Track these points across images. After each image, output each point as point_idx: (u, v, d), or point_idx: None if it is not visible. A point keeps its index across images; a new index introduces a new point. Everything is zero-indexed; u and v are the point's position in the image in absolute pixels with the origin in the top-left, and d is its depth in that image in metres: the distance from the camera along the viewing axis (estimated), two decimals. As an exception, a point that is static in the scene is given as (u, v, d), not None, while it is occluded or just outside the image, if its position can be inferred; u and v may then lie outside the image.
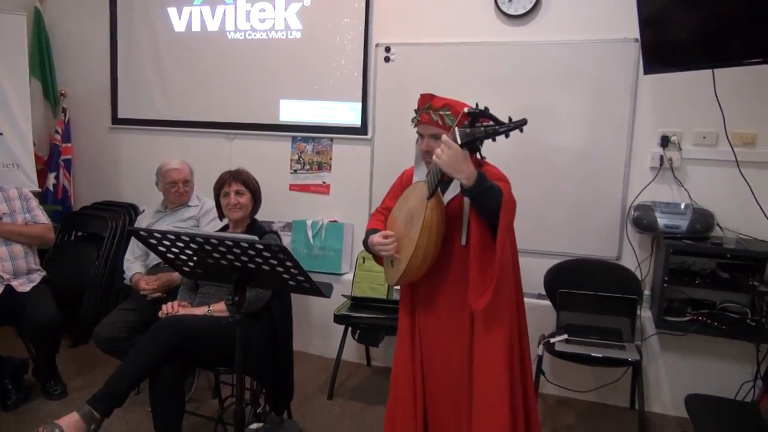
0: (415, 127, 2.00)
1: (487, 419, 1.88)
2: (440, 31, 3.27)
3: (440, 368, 2.01)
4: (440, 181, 1.85)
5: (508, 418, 1.87)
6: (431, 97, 1.93)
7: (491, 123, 1.75)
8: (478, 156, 1.88)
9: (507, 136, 1.73)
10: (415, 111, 1.98)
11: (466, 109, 1.78)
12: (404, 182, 2.14)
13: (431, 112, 1.91)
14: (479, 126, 1.75)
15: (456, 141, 1.74)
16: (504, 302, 1.93)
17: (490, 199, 1.80)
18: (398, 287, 2.13)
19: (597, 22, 2.99)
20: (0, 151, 3.53)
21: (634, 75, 2.94)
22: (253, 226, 2.62)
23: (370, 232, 2.06)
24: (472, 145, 1.75)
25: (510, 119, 1.73)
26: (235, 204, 2.56)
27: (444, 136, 1.77)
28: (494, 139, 1.74)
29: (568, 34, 3.04)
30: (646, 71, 2.60)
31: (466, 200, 1.89)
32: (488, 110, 1.75)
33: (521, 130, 1.72)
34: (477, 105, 1.77)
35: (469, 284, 1.87)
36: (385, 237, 1.97)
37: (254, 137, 3.74)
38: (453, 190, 1.93)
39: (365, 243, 2.07)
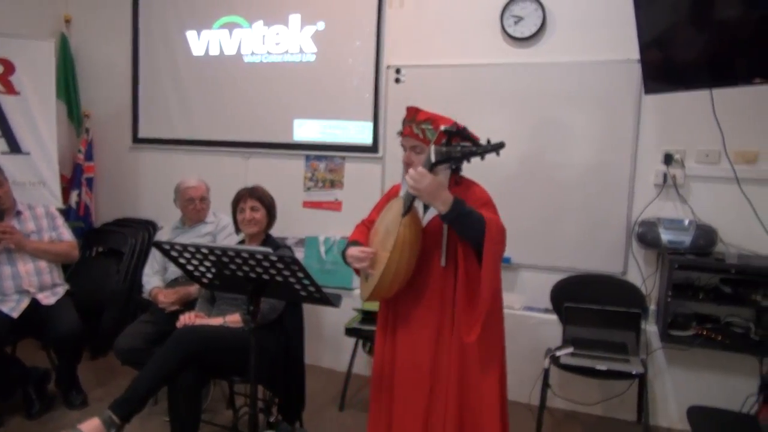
0: (400, 138, 2.07)
1: None
2: (449, 54, 3.43)
3: (410, 386, 2.02)
4: (413, 200, 1.90)
5: None
6: (416, 110, 2.00)
7: (468, 144, 1.81)
8: (462, 173, 1.95)
9: (482, 158, 1.78)
10: (402, 123, 2.05)
11: (443, 127, 1.85)
12: (391, 197, 2.20)
13: (414, 125, 1.98)
14: (456, 146, 1.80)
15: (430, 159, 1.80)
16: (497, 338, 2.00)
17: (468, 226, 1.85)
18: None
19: (600, 44, 3.13)
20: (27, 170, 3.71)
21: (637, 94, 3.06)
22: (268, 241, 2.74)
23: (351, 243, 2.10)
24: (445, 163, 1.81)
25: (488, 141, 1.78)
26: (250, 219, 2.68)
27: (419, 168, 1.81)
28: (469, 161, 1.80)
29: (573, 56, 3.18)
30: (647, 91, 2.72)
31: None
32: (466, 130, 1.82)
33: (497, 153, 1.76)
34: (455, 124, 1.84)
35: (456, 314, 1.91)
36: (362, 252, 1.99)
37: (269, 156, 3.91)
38: (434, 210, 1.96)
39: (343, 254, 2.09)
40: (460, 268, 1.94)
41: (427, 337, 2.01)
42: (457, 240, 1.94)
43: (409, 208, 1.92)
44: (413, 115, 2.01)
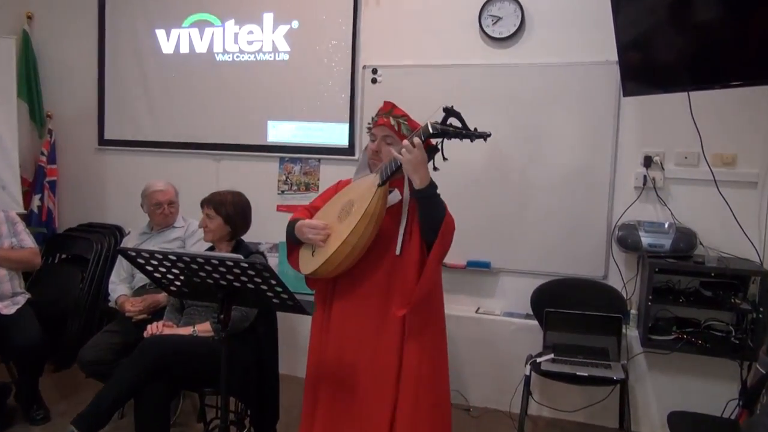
0: (369, 131, 2.16)
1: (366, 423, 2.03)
2: (426, 54, 3.45)
3: (347, 375, 2.11)
4: (393, 173, 2.01)
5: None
6: (393, 105, 2.12)
7: (460, 126, 1.96)
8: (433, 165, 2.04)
9: (472, 140, 1.95)
10: (373, 117, 2.16)
11: (444, 105, 1.98)
12: (339, 188, 2.28)
13: (391, 117, 2.10)
14: (449, 125, 1.95)
15: (428, 131, 1.94)
16: (434, 320, 2.09)
17: (435, 209, 1.99)
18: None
19: (579, 45, 3.18)
20: (-14, 173, 3.64)
21: (616, 96, 3.11)
22: (239, 247, 2.73)
23: (296, 220, 2.17)
24: (438, 138, 1.96)
25: (475, 129, 1.96)
26: (204, 227, 2.68)
27: (415, 138, 1.94)
28: (461, 140, 1.95)
29: (552, 57, 3.22)
30: (626, 93, 2.76)
31: (405, 210, 2.06)
32: (461, 115, 1.97)
33: (485, 140, 1.95)
34: (452, 106, 1.97)
35: (397, 291, 2.03)
36: (319, 223, 2.08)
37: (241, 158, 3.88)
38: (393, 198, 2.09)
39: (291, 230, 2.16)
40: (408, 252, 2.05)
41: (373, 326, 2.08)
42: (413, 230, 2.06)
43: (389, 178, 2.02)
44: (390, 108, 2.12)
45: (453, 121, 1.99)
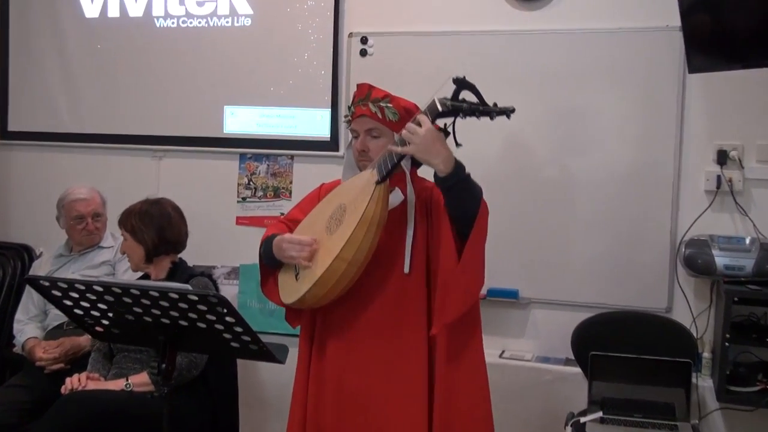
0: (348, 125, 2.20)
1: None
2: (431, 18, 3.47)
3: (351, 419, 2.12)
4: (396, 165, 2.02)
5: None
6: (370, 87, 2.14)
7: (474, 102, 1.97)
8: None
9: (492, 118, 1.96)
10: (349, 107, 2.19)
11: (453, 76, 1.99)
12: (323, 195, 2.30)
13: (370, 103, 2.11)
14: (461, 100, 1.97)
15: (436, 108, 1.95)
16: (471, 340, 2.11)
17: (469, 194, 1.99)
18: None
19: (630, 6, 3.20)
20: None
21: (680, 73, 3.13)
22: (176, 271, 2.75)
23: (272, 237, 2.18)
24: (449, 116, 1.98)
25: (495, 104, 1.96)
26: (123, 253, 2.79)
27: (420, 116, 1.96)
28: (478, 118, 1.97)
29: (594, 21, 3.24)
30: (692, 69, 2.78)
31: (411, 215, 2.07)
32: (476, 87, 1.98)
33: (508, 117, 1.96)
34: (464, 77, 1.98)
35: (434, 309, 2.05)
36: (302, 238, 2.09)
37: (189, 155, 3.89)
38: (393, 200, 2.10)
39: (267, 249, 2.18)
40: (432, 279, 2.09)
41: (380, 362, 2.10)
42: (423, 244, 2.08)
43: (390, 172, 2.02)
44: (367, 91, 2.14)
45: (466, 95, 2.00)
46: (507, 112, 1.97)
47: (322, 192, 2.34)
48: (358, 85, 2.20)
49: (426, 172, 2.17)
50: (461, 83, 1.98)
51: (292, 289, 2.12)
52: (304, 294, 2.04)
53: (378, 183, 2.02)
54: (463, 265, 2.01)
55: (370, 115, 2.11)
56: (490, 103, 1.98)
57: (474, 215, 2.00)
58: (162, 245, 2.75)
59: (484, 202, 2.04)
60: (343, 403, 2.11)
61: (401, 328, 2.09)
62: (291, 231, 2.25)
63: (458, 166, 1.98)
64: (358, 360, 2.12)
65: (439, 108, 1.97)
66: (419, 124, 1.94)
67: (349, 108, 2.20)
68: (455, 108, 1.97)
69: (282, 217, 2.44)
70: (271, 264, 2.22)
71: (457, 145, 2.02)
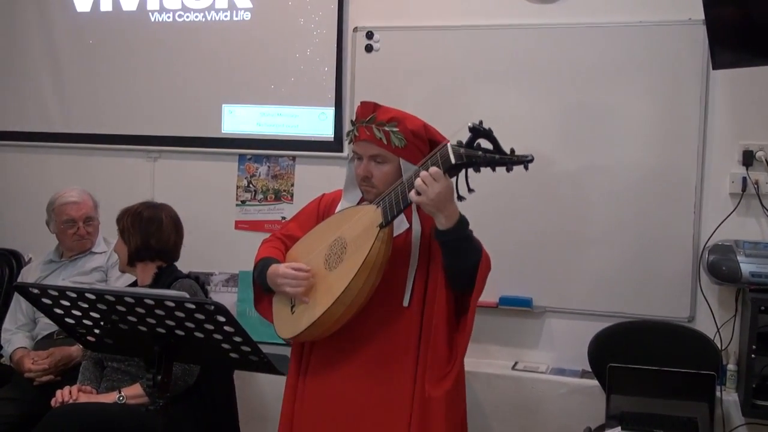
0: (350, 143, 2.19)
1: None
2: (442, 11, 3.47)
3: None
4: (401, 212, 2.02)
5: None
6: (375, 106, 2.11)
7: (490, 149, 1.95)
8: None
9: (509, 169, 1.94)
10: (352, 123, 2.17)
11: (470, 124, 1.96)
12: (323, 208, 2.31)
13: (374, 126, 2.08)
14: (477, 149, 1.94)
15: (449, 160, 1.92)
16: (461, 396, 2.17)
17: (466, 252, 2.00)
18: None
19: (651, -1, 3.20)
20: None
21: (703, 69, 3.12)
22: (161, 276, 2.76)
23: (267, 261, 2.18)
24: (461, 169, 1.96)
25: (512, 151, 1.94)
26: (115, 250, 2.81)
27: (432, 168, 1.93)
28: (494, 170, 1.95)
29: (613, 15, 3.24)
30: (716, 65, 2.77)
31: (415, 247, 2.08)
32: (493, 134, 1.95)
33: (526, 168, 1.96)
34: (481, 122, 1.96)
35: (429, 363, 2.04)
36: (299, 270, 2.09)
37: (186, 156, 3.90)
38: (398, 225, 2.11)
39: (261, 275, 2.19)
40: (427, 311, 2.09)
41: (373, 403, 2.11)
42: (424, 275, 2.09)
43: (394, 217, 2.02)
44: (372, 112, 2.11)
45: (481, 141, 1.98)
46: (525, 161, 1.95)
47: (322, 205, 2.34)
48: (362, 103, 2.17)
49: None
50: (477, 131, 1.96)
51: (287, 323, 2.14)
52: (300, 333, 2.07)
53: (381, 227, 2.02)
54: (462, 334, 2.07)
55: (375, 141, 2.09)
56: (507, 150, 1.96)
57: (471, 272, 2.02)
58: (144, 250, 2.76)
59: (485, 258, 2.06)
60: (322, 422, 2.14)
61: (389, 366, 2.11)
62: (288, 249, 2.26)
63: (461, 222, 1.99)
64: (342, 387, 2.14)
65: (453, 160, 1.94)
66: (433, 178, 1.93)
67: (353, 123, 2.18)
68: (470, 159, 1.94)
69: (278, 232, 2.43)
70: (264, 287, 2.23)
71: (470, 190, 2.02)
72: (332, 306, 1.99)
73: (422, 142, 2.13)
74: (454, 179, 2.01)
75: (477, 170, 1.96)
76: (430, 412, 2.05)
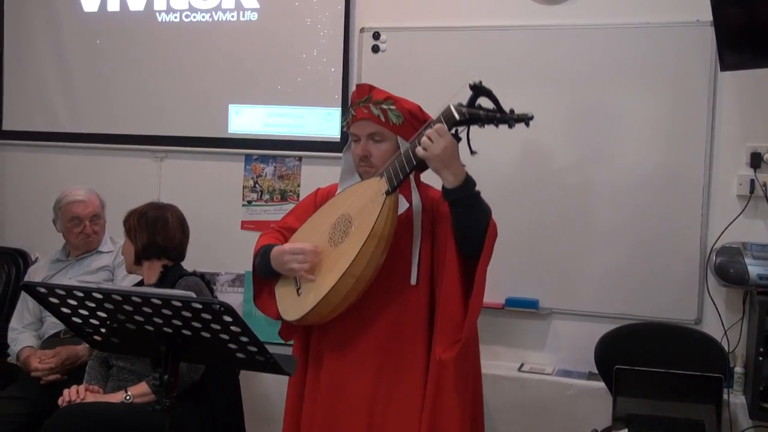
0: (346, 129, 2.22)
1: None
2: (449, 12, 3.47)
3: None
4: (407, 175, 2.04)
5: None
6: (370, 88, 2.16)
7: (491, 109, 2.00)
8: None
9: (511, 126, 1.98)
10: (349, 107, 2.20)
11: (470, 82, 2.01)
12: (319, 201, 2.31)
13: (371, 105, 2.12)
14: (478, 107, 1.99)
15: (452, 116, 1.96)
16: (474, 361, 2.18)
17: (477, 211, 2.01)
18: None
19: (658, 0, 3.19)
20: None
21: (711, 71, 3.12)
22: (167, 274, 2.77)
23: (269, 246, 2.19)
24: (465, 125, 2.01)
25: (512, 111, 1.99)
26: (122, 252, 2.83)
27: (438, 125, 1.97)
28: (497, 126, 1.99)
29: (620, 16, 3.24)
30: (724, 67, 2.77)
31: (418, 224, 2.09)
32: (493, 93, 2.00)
33: (527, 125, 1.98)
34: (481, 82, 2.01)
35: (442, 331, 2.05)
36: (304, 247, 2.10)
37: (193, 156, 3.90)
38: (399, 206, 2.11)
39: (264, 260, 2.19)
40: (436, 288, 2.12)
41: (383, 383, 2.12)
42: (429, 251, 2.10)
43: (401, 182, 2.04)
44: (368, 93, 2.15)
45: (482, 101, 2.01)
46: (525, 119, 1.98)
47: (318, 198, 2.36)
48: (357, 86, 2.22)
49: (428, 178, 2.19)
50: (478, 89, 2.00)
51: (293, 305, 2.14)
52: (308, 312, 2.06)
53: (388, 194, 2.03)
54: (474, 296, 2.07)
55: (372, 119, 2.12)
56: (507, 110, 2.00)
57: (481, 234, 2.02)
58: (151, 248, 2.78)
59: (493, 223, 2.06)
60: (337, 411, 2.15)
61: (402, 341, 2.13)
62: (286, 240, 2.26)
63: (468, 180, 2.01)
64: (355, 372, 2.14)
65: (456, 116, 1.98)
66: (438, 133, 1.95)
67: (349, 109, 2.21)
68: (472, 116, 1.98)
69: (275, 225, 2.44)
70: (267, 276, 2.23)
71: (472, 152, 2.04)
72: (340, 280, 1.99)
73: (418, 122, 2.16)
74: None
75: (481, 126, 2.00)
76: (443, 375, 2.07)
